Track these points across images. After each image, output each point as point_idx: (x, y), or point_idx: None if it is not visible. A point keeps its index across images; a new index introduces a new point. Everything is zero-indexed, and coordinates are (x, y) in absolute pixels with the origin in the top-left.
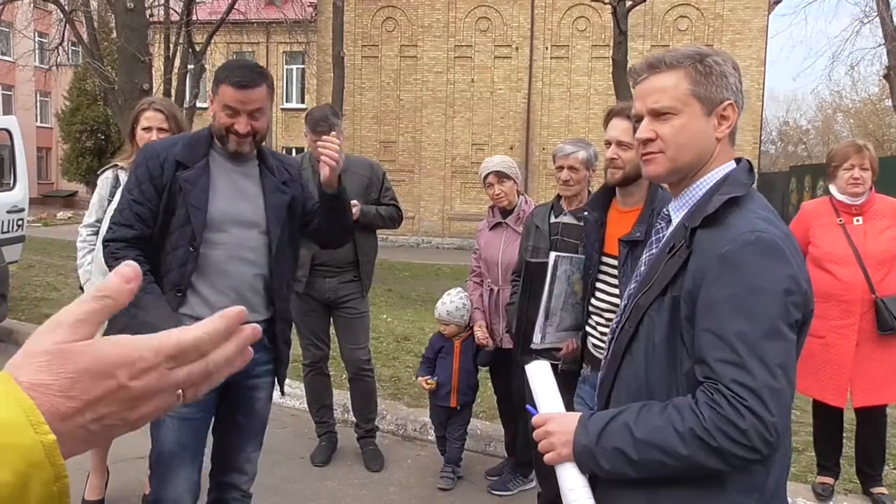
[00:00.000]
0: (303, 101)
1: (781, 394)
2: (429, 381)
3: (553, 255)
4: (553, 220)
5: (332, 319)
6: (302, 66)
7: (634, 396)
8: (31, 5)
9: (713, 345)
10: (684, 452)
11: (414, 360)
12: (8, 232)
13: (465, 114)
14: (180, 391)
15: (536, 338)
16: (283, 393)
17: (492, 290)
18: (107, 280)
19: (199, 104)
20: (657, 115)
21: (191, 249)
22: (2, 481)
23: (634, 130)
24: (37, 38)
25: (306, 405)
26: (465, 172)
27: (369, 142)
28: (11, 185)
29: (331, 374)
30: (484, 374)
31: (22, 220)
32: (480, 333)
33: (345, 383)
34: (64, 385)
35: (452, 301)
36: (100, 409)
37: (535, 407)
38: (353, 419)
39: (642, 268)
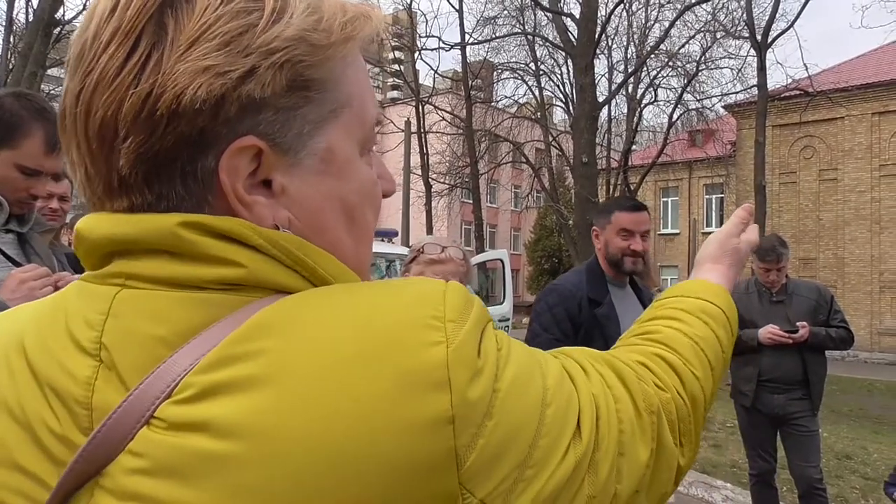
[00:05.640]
0: (720, 226)
1: None
2: None
3: None
4: None
5: (779, 435)
6: (720, 196)
7: None
8: (511, 167)
9: None
10: None
11: (861, 482)
12: None
13: (894, 230)
14: None
15: None
16: None
17: None
18: None
19: None
20: None
21: None
22: None
23: None
24: (513, 190)
25: None
26: None
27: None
28: (501, 300)
29: (777, 487)
30: None
31: (508, 326)
32: None
33: (787, 496)
34: None
35: None
36: None
37: None
38: None
39: None
